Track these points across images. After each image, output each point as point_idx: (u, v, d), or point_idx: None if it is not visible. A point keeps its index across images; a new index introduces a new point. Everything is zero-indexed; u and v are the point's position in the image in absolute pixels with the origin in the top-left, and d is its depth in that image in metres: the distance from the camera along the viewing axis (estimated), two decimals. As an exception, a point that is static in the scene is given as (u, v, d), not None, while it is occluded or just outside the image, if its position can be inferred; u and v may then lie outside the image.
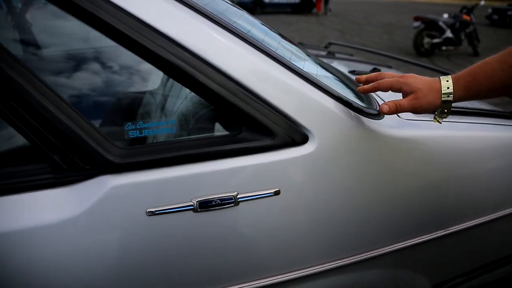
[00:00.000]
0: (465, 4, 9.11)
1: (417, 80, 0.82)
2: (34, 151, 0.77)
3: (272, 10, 17.15)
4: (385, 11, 19.53)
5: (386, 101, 0.86)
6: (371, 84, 0.87)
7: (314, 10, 17.72)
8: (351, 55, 2.34)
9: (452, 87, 0.79)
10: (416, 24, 7.69)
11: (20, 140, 0.79)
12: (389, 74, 0.87)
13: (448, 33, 7.49)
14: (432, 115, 0.86)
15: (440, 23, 7.49)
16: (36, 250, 0.75)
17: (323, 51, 2.11)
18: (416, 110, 0.82)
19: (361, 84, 0.92)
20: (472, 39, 7.74)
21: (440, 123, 0.84)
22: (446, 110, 0.81)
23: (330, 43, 2.46)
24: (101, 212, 0.76)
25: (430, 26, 7.57)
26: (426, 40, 7.57)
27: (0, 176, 0.75)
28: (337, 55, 2.03)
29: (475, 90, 0.79)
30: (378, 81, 0.86)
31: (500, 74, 0.76)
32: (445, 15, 7.87)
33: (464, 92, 0.79)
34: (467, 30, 7.66)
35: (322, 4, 17.17)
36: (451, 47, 7.69)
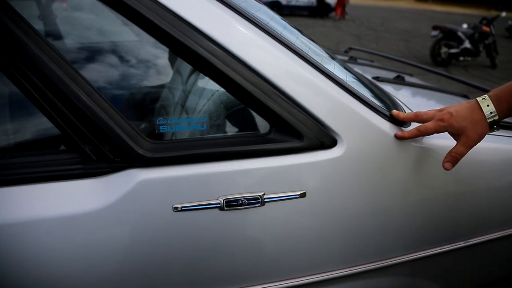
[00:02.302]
0: (485, 15, 9.00)
1: (458, 117, 0.81)
2: (64, 140, 0.77)
3: (289, 12, 17.14)
4: (402, 18, 19.40)
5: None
6: (412, 131, 0.85)
7: (331, 14, 17.67)
8: (372, 61, 2.32)
9: (494, 109, 0.79)
10: (435, 33, 7.63)
11: (52, 129, 0.80)
12: (426, 115, 0.86)
13: (467, 44, 7.41)
14: None
15: (459, 33, 7.42)
16: (63, 240, 0.75)
17: (345, 56, 2.11)
18: (473, 147, 0.82)
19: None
20: (490, 50, 7.65)
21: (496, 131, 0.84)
22: (495, 126, 0.82)
23: (351, 48, 2.45)
24: (128, 205, 0.76)
25: (449, 35, 7.50)
26: (444, 49, 7.51)
27: (30, 165, 0.76)
28: (359, 60, 2.02)
29: None
30: (419, 128, 0.84)
31: None
32: (465, 25, 7.80)
33: (508, 113, 0.79)
34: (486, 42, 7.57)
35: (343, 8, 17.07)
36: (469, 58, 7.61)
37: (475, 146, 0.83)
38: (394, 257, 0.98)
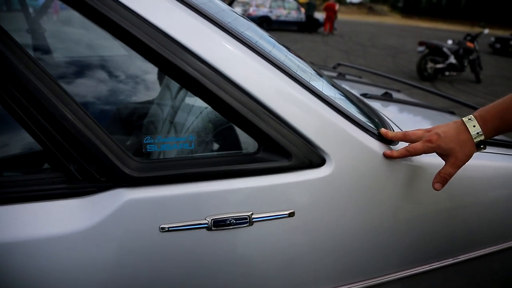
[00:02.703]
0: (469, 31, 9.22)
1: (445, 139, 0.82)
2: (49, 160, 0.76)
3: (278, 27, 17.35)
4: (390, 34, 19.76)
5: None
6: (400, 150, 0.86)
7: (320, 30, 17.92)
8: (360, 77, 2.35)
9: (480, 130, 0.80)
10: (421, 48, 7.78)
11: (36, 147, 0.78)
12: (414, 135, 0.87)
13: (452, 59, 7.56)
14: None
15: (444, 49, 7.57)
16: (47, 260, 0.73)
17: (333, 72, 2.13)
18: (461, 167, 0.84)
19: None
20: (475, 66, 7.82)
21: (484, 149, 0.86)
22: (482, 146, 0.83)
23: (339, 64, 2.48)
24: (114, 225, 0.75)
25: (435, 51, 7.65)
26: (430, 65, 7.65)
27: (14, 184, 0.74)
28: (347, 76, 2.04)
29: (504, 130, 0.81)
30: (408, 148, 0.85)
31: None
32: (450, 41, 7.97)
33: (493, 133, 0.81)
34: (471, 57, 7.75)
35: (331, 24, 17.35)
36: (454, 73, 7.77)
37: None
38: (385, 275, 0.97)
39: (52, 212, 0.75)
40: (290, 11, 17.53)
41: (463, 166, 0.83)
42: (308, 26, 17.42)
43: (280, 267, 0.86)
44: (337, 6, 18.02)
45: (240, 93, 0.77)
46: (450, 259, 1.06)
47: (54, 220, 0.74)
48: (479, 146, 0.82)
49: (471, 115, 0.83)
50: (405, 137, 0.89)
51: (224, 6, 1.12)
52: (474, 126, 0.81)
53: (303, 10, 17.55)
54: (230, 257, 0.81)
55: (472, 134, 0.81)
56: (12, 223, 0.72)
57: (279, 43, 1.13)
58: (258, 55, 0.81)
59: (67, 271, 0.75)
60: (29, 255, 0.73)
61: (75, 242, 0.74)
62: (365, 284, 0.95)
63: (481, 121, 0.81)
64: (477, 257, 1.10)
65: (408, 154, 0.85)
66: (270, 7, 17.27)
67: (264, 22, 16.73)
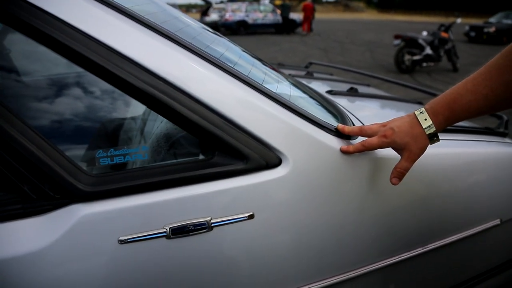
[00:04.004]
0: (443, 22, 9.38)
1: (399, 134, 0.83)
2: (1, 181, 0.75)
3: (255, 30, 17.43)
4: (367, 30, 19.99)
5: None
6: (356, 145, 0.87)
7: (298, 30, 18.05)
8: (331, 74, 2.37)
9: (431, 123, 0.82)
10: (397, 42, 7.87)
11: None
12: (370, 130, 0.88)
13: (428, 50, 7.68)
14: None
15: (420, 41, 7.68)
16: (7, 283, 0.72)
17: (303, 71, 2.14)
18: (416, 160, 0.85)
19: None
20: (451, 55, 7.95)
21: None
22: (435, 138, 0.84)
23: (311, 63, 2.50)
24: (72, 242, 0.74)
25: (410, 43, 7.76)
26: (407, 57, 7.75)
27: (-33, 208, 0.73)
28: (316, 75, 2.06)
29: (454, 121, 0.82)
30: (363, 143, 0.86)
31: (475, 105, 0.79)
32: (424, 33, 8.09)
33: (444, 124, 0.83)
34: (446, 47, 7.87)
35: (309, 24, 17.49)
36: (431, 64, 7.88)
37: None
38: (359, 268, 0.98)
39: (8, 233, 0.74)
40: (266, 14, 17.66)
41: (433, 154, 0.84)
42: (285, 27, 17.53)
43: (244, 270, 0.86)
44: (314, 6, 18.19)
45: (190, 101, 0.77)
46: (424, 247, 1.07)
47: (12, 241, 0.73)
48: (432, 138, 0.84)
49: (422, 108, 0.84)
50: (361, 132, 0.90)
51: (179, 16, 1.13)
52: (425, 119, 0.82)
53: (279, 12, 17.66)
54: (191, 263, 0.80)
55: (424, 127, 0.82)
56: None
57: (235, 44, 1.14)
58: (205, 61, 0.81)
59: (30, 291, 0.74)
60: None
61: (34, 262, 0.73)
62: (340, 279, 0.96)
63: (432, 114, 0.82)
64: (454, 242, 1.11)
65: (363, 149, 0.87)
66: (246, 11, 17.37)
67: (241, 27, 16.82)
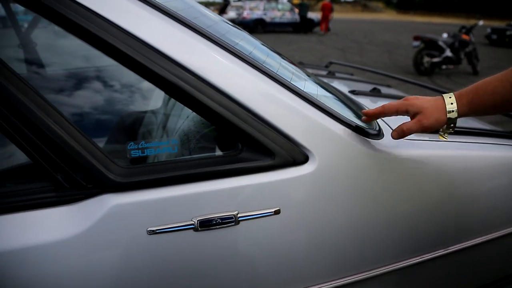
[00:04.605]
0: (464, 24, 9.22)
1: (422, 100, 0.85)
2: (36, 170, 0.78)
3: (273, 29, 17.40)
4: (385, 30, 19.78)
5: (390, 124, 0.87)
6: (376, 108, 0.88)
7: (315, 29, 17.96)
8: (351, 74, 2.36)
9: (455, 104, 0.82)
10: (416, 43, 7.77)
11: (22, 158, 0.80)
12: (392, 104, 0.89)
13: (448, 52, 7.55)
14: (434, 135, 0.87)
15: (440, 43, 7.56)
16: (38, 269, 0.75)
17: (324, 71, 2.14)
18: (424, 130, 0.84)
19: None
20: (471, 58, 7.80)
21: (446, 138, 0.86)
22: (452, 125, 0.84)
23: (331, 62, 2.49)
24: (102, 231, 0.76)
25: (430, 45, 7.64)
26: (426, 59, 7.64)
27: (3, 195, 0.76)
28: (337, 74, 2.06)
29: (477, 106, 0.82)
30: (384, 105, 0.87)
31: (501, 91, 0.79)
32: (445, 35, 7.96)
33: (467, 107, 0.82)
34: (467, 50, 7.73)
35: (327, 24, 17.40)
36: (451, 66, 7.75)
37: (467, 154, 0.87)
38: (377, 268, 0.98)
39: (42, 220, 0.76)
40: (284, 13, 17.61)
41: (454, 156, 0.83)
42: (303, 26, 17.46)
43: (268, 264, 0.87)
44: (332, 6, 18.08)
45: (220, 96, 0.78)
46: (443, 250, 1.06)
47: (44, 228, 0.76)
48: (449, 124, 0.83)
49: (451, 93, 0.85)
50: (384, 108, 0.90)
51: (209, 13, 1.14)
52: (450, 97, 0.83)
53: (297, 11, 17.60)
54: (218, 256, 0.82)
55: (446, 104, 0.83)
56: (3, 232, 0.74)
57: (262, 44, 1.15)
58: (236, 58, 0.82)
59: (60, 277, 0.76)
60: (22, 263, 0.74)
61: (65, 249, 0.75)
62: (357, 278, 0.96)
63: (457, 96, 0.83)
64: (472, 246, 1.10)
65: (383, 110, 0.87)
66: (264, 9, 17.35)
67: (258, 25, 16.80)
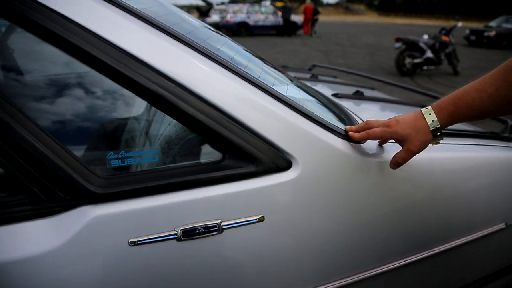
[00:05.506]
0: (444, 25, 9.39)
1: (403, 125, 0.85)
2: (11, 182, 0.75)
3: (257, 32, 17.44)
4: (367, 33, 20.02)
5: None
6: (362, 133, 0.89)
7: (299, 32, 18.06)
8: (335, 77, 2.37)
9: (436, 118, 0.83)
10: (398, 45, 7.89)
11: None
12: (376, 123, 0.90)
13: (429, 54, 7.69)
14: None
15: (421, 44, 7.70)
16: (17, 284, 0.72)
17: (307, 74, 2.15)
18: (416, 153, 0.86)
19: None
20: (451, 58, 7.97)
21: (438, 143, 0.87)
22: (438, 134, 0.84)
23: (314, 65, 2.50)
24: (82, 243, 0.74)
25: (411, 46, 7.77)
26: (408, 60, 7.77)
27: (-23, 209, 0.73)
28: (320, 77, 2.06)
29: (458, 117, 0.83)
30: (368, 131, 0.88)
31: (479, 103, 0.79)
32: (425, 36, 8.10)
33: (448, 120, 0.83)
34: (447, 50, 7.89)
35: (309, 26, 17.55)
36: (432, 67, 7.90)
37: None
38: (363, 271, 0.98)
39: (19, 234, 0.73)
40: (267, 16, 17.68)
41: (436, 158, 0.84)
42: (286, 29, 17.54)
43: (254, 272, 0.86)
44: (318, 9, 18.24)
45: (202, 103, 0.77)
46: (427, 251, 1.07)
47: (21, 243, 0.73)
48: (436, 134, 0.84)
49: (429, 106, 0.85)
50: (367, 125, 0.91)
51: (190, 19, 1.13)
52: (430, 114, 0.83)
53: (280, 13, 17.68)
54: (202, 266, 0.80)
55: (427, 121, 0.83)
56: (-23, 248, 0.71)
57: (244, 49, 1.14)
58: (219, 64, 0.81)
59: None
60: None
61: (44, 263, 0.73)
62: (344, 282, 0.96)
63: (437, 110, 0.83)
64: (455, 247, 1.11)
65: (367, 136, 0.88)
66: (247, 12, 17.40)
67: (242, 28, 16.83)
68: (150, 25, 0.79)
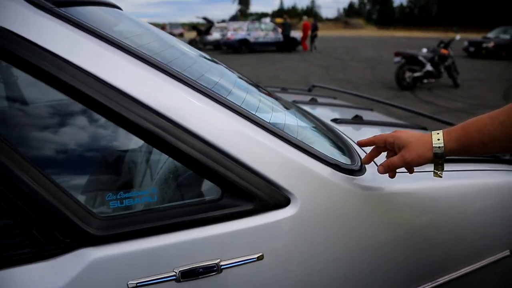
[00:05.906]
0: (442, 38, 9.45)
1: (407, 134, 0.85)
2: (10, 225, 0.75)
3: (257, 48, 17.60)
4: (367, 47, 20.17)
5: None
6: (368, 138, 0.91)
7: (299, 48, 18.21)
8: (335, 98, 2.38)
9: (442, 139, 0.81)
10: (397, 59, 7.93)
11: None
12: (381, 136, 0.90)
13: (428, 67, 7.73)
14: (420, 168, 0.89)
15: (420, 58, 7.73)
16: None
17: (307, 95, 2.15)
18: (408, 164, 0.84)
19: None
20: (451, 71, 8.00)
21: (441, 176, 0.84)
22: (440, 161, 0.82)
23: (314, 86, 2.51)
24: (81, 287, 0.73)
25: (411, 60, 7.81)
26: (408, 74, 7.79)
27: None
28: (320, 100, 2.07)
29: (465, 141, 0.80)
30: (375, 135, 0.90)
31: (490, 128, 0.77)
32: (424, 50, 8.15)
33: (455, 143, 0.80)
34: (446, 63, 7.92)
35: (307, 42, 17.71)
36: (432, 80, 7.92)
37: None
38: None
39: (18, 278, 0.73)
40: (267, 33, 17.85)
41: (435, 187, 0.81)
42: (286, 45, 17.70)
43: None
44: (317, 25, 18.43)
45: (198, 141, 0.77)
46: (430, 283, 1.06)
47: (21, 286, 0.73)
48: (437, 157, 0.81)
49: (440, 130, 0.84)
50: (375, 138, 0.91)
51: (184, 48, 1.14)
52: (437, 133, 0.82)
53: (280, 30, 17.86)
54: (202, 307, 0.80)
55: (433, 139, 0.82)
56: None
57: (239, 76, 1.14)
58: (215, 101, 0.82)
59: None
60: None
61: (43, 307, 0.72)
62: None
63: (446, 132, 0.82)
64: (456, 278, 1.09)
65: (374, 140, 0.91)
66: (248, 29, 17.57)
67: (243, 45, 16.99)
68: (146, 64, 0.79)
